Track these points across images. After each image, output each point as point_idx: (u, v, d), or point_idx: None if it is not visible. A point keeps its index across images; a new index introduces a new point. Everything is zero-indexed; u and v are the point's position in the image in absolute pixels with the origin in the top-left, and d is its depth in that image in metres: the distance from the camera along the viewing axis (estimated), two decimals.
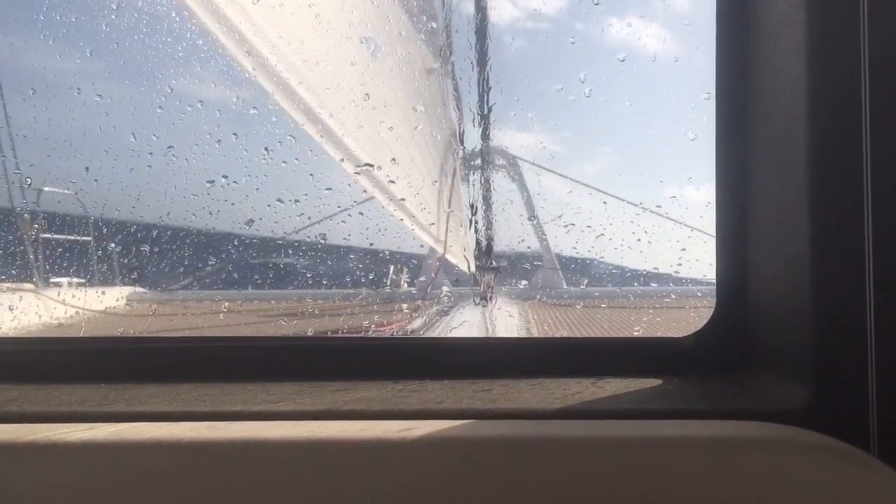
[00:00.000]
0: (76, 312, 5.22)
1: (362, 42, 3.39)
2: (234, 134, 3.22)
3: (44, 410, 1.08)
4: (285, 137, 3.23)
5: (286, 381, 1.22)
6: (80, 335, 3.73)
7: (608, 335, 3.82)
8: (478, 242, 5.24)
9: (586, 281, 5.33)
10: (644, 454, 0.92)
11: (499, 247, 5.27)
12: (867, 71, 0.95)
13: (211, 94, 3.18)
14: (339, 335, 3.72)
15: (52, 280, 5.68)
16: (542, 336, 4.14)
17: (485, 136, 4.87)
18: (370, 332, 4.06)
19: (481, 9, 3.86)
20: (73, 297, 5.33)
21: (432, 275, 5.78)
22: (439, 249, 5.40)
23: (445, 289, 5.43)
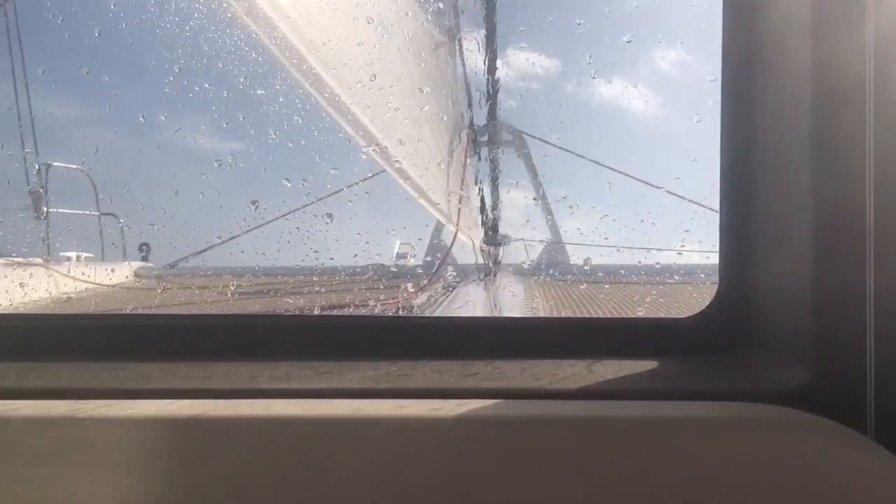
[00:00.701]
0: (85, 287, 5.25)
1: (369, 22, 3.37)
2: (241, 115, 3.23)
3: (50, 386, 1.09)
4: (292, 118, 3.24)
5: (280, 360, 1.21)
6: (84, 312, 3.76)
7: (608, 315, 3.82)
8: (484, 220, 5.24)
9: (590, 259, 5.33)
10: (643, 434, 0.92)
11: (504, 224, 5.28)
12: (872, 58, 0.94)
13: (218, 76, 3.18)
14: (336, 314, 3.74)
15: (61, 254, 5.71)
16: (540, 316, 4.13)
17: (492, 114, 4.86)
18: (375, 309, 4.08)
19: None
20: (82, 272, 5.36)
21: (437, 253, 5.79)
22: (446, 226, 5.40)
23: (451, 266, 5.43)
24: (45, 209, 5.52)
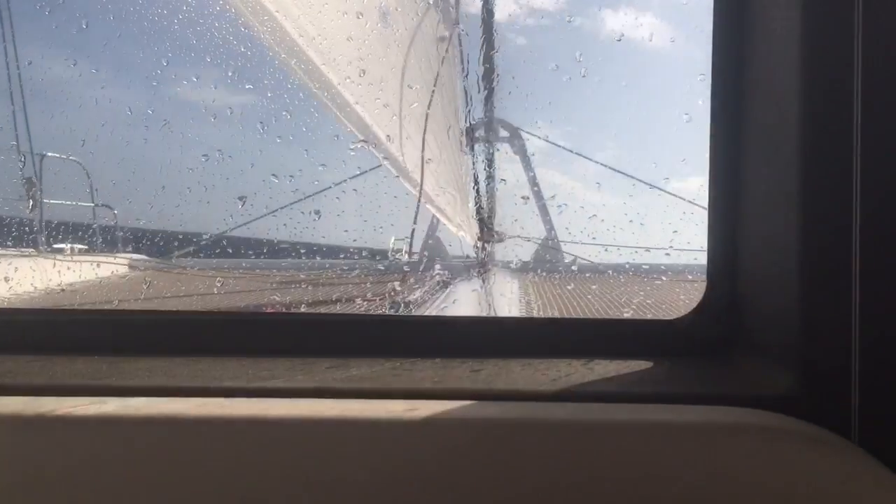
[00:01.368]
0: (77, 278, 5.23)
1: (359, 17, 3.35)
2: (230, 108, 3.21)
3: (38, 383, 1.08)
4: (280, 113, 3.23)
5: (278, 357, 1.21)
6: (74, 307, 3.75)
7: (599, 315, 3.83)
8: (478, 216, 5.23)
9: (578, 258, 5.32)
10: (630, 438, 0.93)
11: (499, 220, 5.27)
12: (860, 57, 0.94)
13: (206, 70, 3.16)
14: (333, 311, 3.74)
15: (54, 245, 5.70)
16: (533, 315, 4.13)
17: (487, 110, 4.85)
18: (368, 305, 4.07)
19: None
20: (75, 263, 5.34)
21: (431, 249, 5.78)
22: (441, 223, 5.39)
23: (444, 262, 5.42)
24: (38, 200, 5.51)
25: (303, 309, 3.80)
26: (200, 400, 1.00)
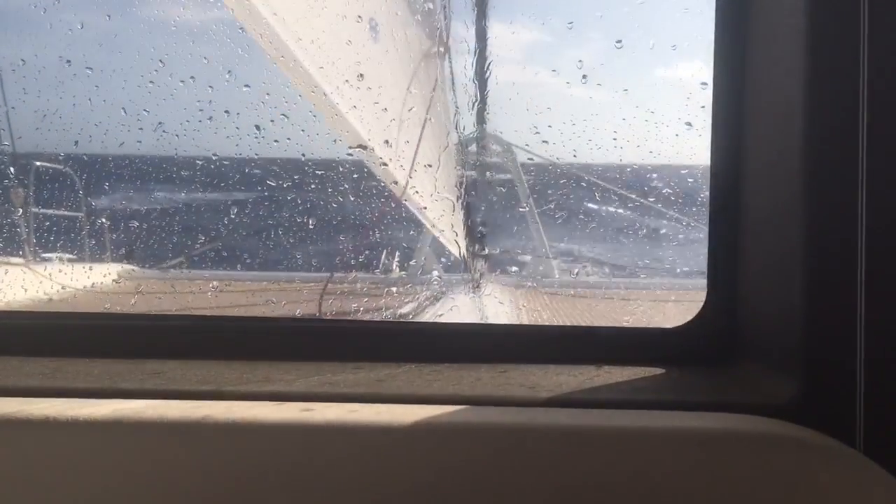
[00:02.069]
0: (65, 289, 5.19)
1: (358, 21, 3.36)
2: (226, 111, 3.19)
3: (34, 385, 1.08)
4: (277, 116, 3.21)
5: (274, 361, 1.21)
6: (72, 310, 3.72)
7: (599, 324, 3.84)
8: (470, 228, 5.24)
9: (577, 270, 5.34)
10: (634, 444, 0.92)
11: (491, 233, 5.27)
12: (866, 63, 0.93)
13: (203, 70, 3.15)
14: (331, 317, 3.72)
15: (42, 255, 5.66)
16: (534, 323, 4.14)
17: (480, 120, 4.86)
18: (359, 316, 4.05)
19: None
20: (63, 272, 5.30)
21: (423, 261, 5.78)
22: (433, 235, 5.40)
23: (436, 274, 5.42)
24: (27, 209, 5.48)
25: (297, 314, 3.80)
26: (198, 403, 1.00)
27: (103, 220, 5.68)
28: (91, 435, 0.94)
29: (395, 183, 3.81)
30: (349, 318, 3.59)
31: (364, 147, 3.51)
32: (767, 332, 1.11)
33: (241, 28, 3.12)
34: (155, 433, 0.94)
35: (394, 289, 4.95)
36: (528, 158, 5.78)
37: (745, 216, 1.18)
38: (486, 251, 5.37)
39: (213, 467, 0.93)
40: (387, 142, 3.52)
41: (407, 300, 4.71)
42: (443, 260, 5.60)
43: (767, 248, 1.11)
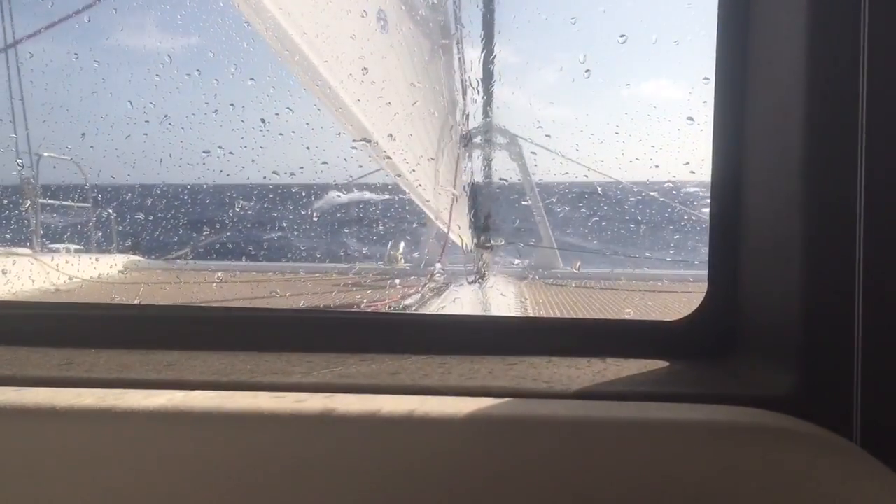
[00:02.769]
0: (72, 279, 5.21)
1: (363, 16, 3.36)
2: (231, 104, 3.21)
3: (50, 376, 1.08)
4: (282, 109, 3.22)
5: (280, 352, 1.20)
6: (84, 302, 3.72)
7: (602, 317, 3.83)
8: (475, 220, 5.23)
9: (579, 263, 5.33)
10: (635, 435, 0.92)
11: (496, 225, 5.27)
12: (866, 59, 0.94)
13: (208, 64, 3.16)
14: (337, 309, 3.72)
15: (49, 246, 5.67)
16: (537, 315, 4.13)
17: (486, 112, 4.85)
18: (364, 308, 4.06)
19: None
20: (70, 263, 5.32)
21: (426, 251, 5.78)
22: (438, 228, 5.39)
23: (440, 266, 5.42)
24: (35, 200, 5.48)
25: (302, 306, 3.80)
26: (199, 393, 1.00)
27: (109, 212, 5.71)
28: (105, 425, 0.95)
29: (399, 175, 3.81)
30: (358, 309, 3.60)
31: (368, 141, 3.51)
32: (767, 326, 1.11)
33: (246, 23, 3.13)
34: (169, 424, 0.94)
35: (397, 281, 4.96)
36: (532, 152, 5.77)
37: (745, 211, 1.17)
38: (491, 242, 5.37)
39: (225, 456, 0.93)
40: (391, 135, 3.52)
41: (411, 292, 4.71)
42: (447, 251, 5.61)
43: (767, 243, 1.10)
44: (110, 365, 1.14)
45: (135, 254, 6.01)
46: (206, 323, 1.35)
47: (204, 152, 3.11)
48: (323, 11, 3.28)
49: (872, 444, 0.94)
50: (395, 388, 1.04)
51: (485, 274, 5.43)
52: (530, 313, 4.54)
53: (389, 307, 4.24)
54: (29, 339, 1.26)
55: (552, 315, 4.07)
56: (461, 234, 5.30)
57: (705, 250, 1.23)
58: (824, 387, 0.98)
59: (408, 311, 3.63)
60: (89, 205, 5.87)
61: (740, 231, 1.18)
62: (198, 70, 2.93)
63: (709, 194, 1.21)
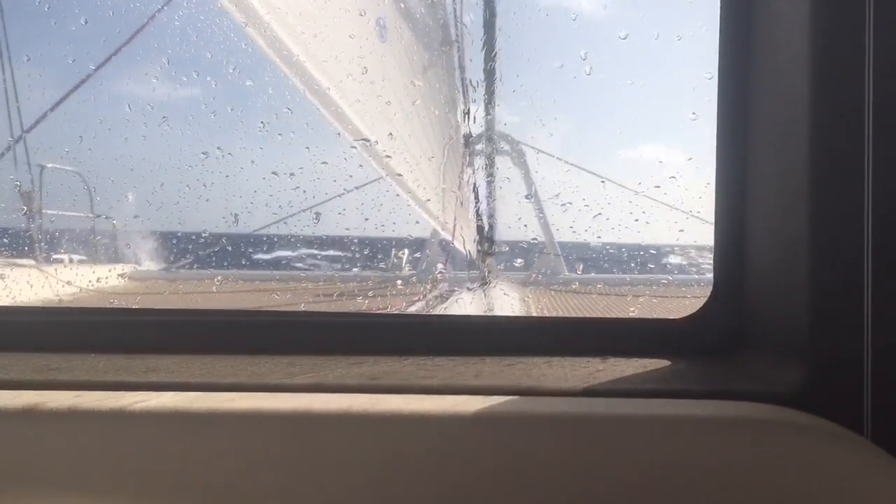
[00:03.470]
0: (76, 290, 5.23)
1: (361, 15, 3.36)
2: (230, 107, 3.20)
3: (54, 379, 1.09)
4: (281, 110, 3.22)
5: (280, 355, 1.22)
6: (78, 306, 3.73)
7: (607, 315, 3.84)
8: (478, 224, 5.23)
9: (581, 267, 5.33)
10: (643, 431, 0.92)
11: (499, 229, 5.26)
12: (871, 50, 0.93)
13: (207, 65, 3.16)
14: (338, 311, 3.72)
15: (53, 257, 5.71)
16: (541, 315, 4.14)
17: (487, 114, 4.86)
18: (370, 310, 4.05)
19: None
20: (73, 273, 5.35)
21: (432, 259, 5.78)
22: (441, 233, 5.40)
23: (443, 269, 5.42)
24: (37, 211, 5.53)
25: (302, 308, 3.80)
26: (200, 394, 1.01)
27: (113, 221, 5.73)
28: (105, 427, 0.96)
29: (400, 175, 3.81)
30: (357, 312, 3.59)
31: (367, 141, 3.52)
32: (775, 321, 1.10)
33: (244, 23, 3.13)
34: (171, 425, 0.96)
35: (399, 284, 4.96)
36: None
37: (751, 206, 1.17)
38: (494, 248, 5.37)
39: (230, 456, 0.94)
40: (391, 135, 3.53)
41: (415, 298, 4.72)
42: (451, 257, 5.61)
43: (774, 238, 1.10)
44: (108, 368, 1.15)
45: (139, 264, 6.05)
46: (206, 326, 1.36)
47: (202, 153, 3.10)
48: (321, 10, 3.30)
49: (883, 437, 0.94)
50: (398, 388, 1.04)
51: (488, 280, 5.44)
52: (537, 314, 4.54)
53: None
54: (27, 344, 1.27)
55: (556, 315, 4.06)
56: (464, 239, 5.29)
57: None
58: (833, 381, 0.97)
59: (409, 313, 3.63)
60: (92, 215, 5.90)
61: (745, 226, 1.18)
62: (196, 72, 2.92)
63: None
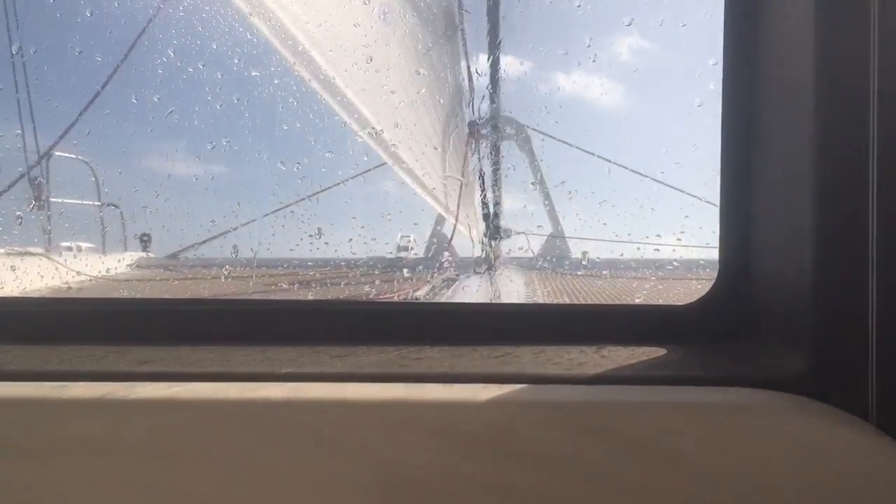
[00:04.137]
0: (85, 277, 5.26)
1: (366, 3, 3.35)
2: (236, 98, 3.21)
3: (63, 370, 1.08)
4: (287, 100, 3.22)
5: (284, 345, 1.21)
6: (87, 297, 3.76)
7: (612, 302, 3.82)
8: (484, 212, 5.23)
9: (587, 253, 5.32)
10: (644, 418, 0.92)
11: (505, 214, 5.26)
12: (877, 38, 0.93)
13: (212, 57, 3.16)
14: (340, 299, 3.73)
15: (61, 244, 5.73)
16: (544, 302, 4.13)
17: (493, 101, 4.84)
18: (373, 298, 4.07)
19: None
20: (84, 262, 5.37)
21: (438, 245, 5.79)
22: (447, 219, 5.39)
23: (451, 258, 5.42)
24: (45, 199, 5.53)
25: (308, 297, 3.81)
26: (211, 385, 1.01)
27: (121, 210, 5.75)
28: (122, 415, 0.96)
29: (405, 163, 3.81)
30: (355, 300, 3.60)
31: (374, 130, 3.51)
32: (779, 308, 1.10)
33: (249, 13, 3.13)
34: (176, 412, 0.96)
35: (406, 271, 4.96)
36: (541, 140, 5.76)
37: (756, 194, 1.17)
38: (500, 232, 5.37)
39: (232, 446, 0.94)
40: (396, 124, 3.52)
41: (421, 284, 4.72)
42: (458, 241, 5.61)
43: (778, 224, 1.10)
44: (121, 358, 1.15)
45: (147, 251, 6.07)
46: (218, 315, 1.35)
47: (209, 144, 3.11)
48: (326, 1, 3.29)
49: (887, 423, 0.94)
50: (396, 377, 1.04)
51: (494, 264, 5.44)
52: (540, 301, 4.54)
53: (400, 298, 4.25)
54: (37, 336, 1.27)
55: (558, 302, 4.06)
56: (470, 223, 5.30)
57: None
58: (838, 367, 0.97)
59: (410, 301, 3.63)
60: (101, 203, 5.93)
61: (751, 213, 1.18)
62: (202, 64, 2.92)
63: None
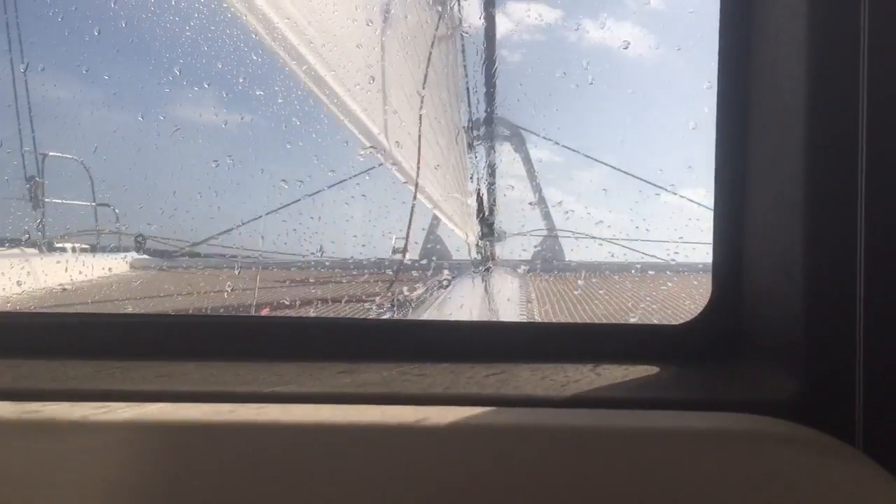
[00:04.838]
0: (80, 278, 5.23)
1: (368, 24, 3.36)
2: (241, 116, 3.22)
3: (48, 388, 1.07)
4: (290, 120, 3.24)
5: (286, 362, 1.21)
6: (80, 311, 3.74)
7: (606, 321, 3.85)
8: (480, 216, 5.23)
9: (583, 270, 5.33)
10: (636, 444, 0.93)
11: (500, 219, 5.27)
12: (866, 65, 0.95)
13: (217, 77, 3.17)
14: (341, 316, 3.76)
15: (56, 245, 5.67)
16: (540, 321, 4.15)
17: (489, 109, 4.84)
18: (372, 309, 4.09)
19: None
20: (78, 262, 5.33)
21: (433, 248, 5.78)
22: (442, 221, 5.39)
23: (446, 261, 5.43)
24: (41, 199, 5.48)
25: (311, 313, 3.82)
26: (210, 406, 1.00)
27: (116, 211, 5.72)
28: (107, 437, 0.95)
29: (405, 183, 3.83)
30: (356, 317, 3.63)
31: (376, 148, 3.53)
32: (770, 331, 1.12)
33: (254, 34, 3.14)
34: (171, 435, 0.95)
35: (401, 273, 4.97)
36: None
37: (748, 216, 1.19)
38: (495, 234, 5.37)
39: (228, 468, 0.94)
40: (398, 143, 3.54)
41: (416, 285, 4.72)
42: (452, 244, 5.61)
43: (770, 248, 1.11)
44: (107, 376, 1.14)
45: (141, 253, 6.03)
46: (200, 331, 1.34)
47: (213, 162, 3.13)
48: (329, 20, 3.28)
49: (875, 449, 0.96)
50: (382, 398, 1.04)
51: (489, 266, 5.44)
52: (535, 304, 4.57)
53: (395, 300, 4.26)
54: (21, 350, 1.25)
55: (550, 321, 4.10)
56: (466, 228, 5.31)
57: None
58: (827, 392, 0.99)
59: (410, 319, 3.64)
60: (95, 204, 5.89)
61: (743, 236, 1.20)
62: (207, 83, 2.93)
63: None
